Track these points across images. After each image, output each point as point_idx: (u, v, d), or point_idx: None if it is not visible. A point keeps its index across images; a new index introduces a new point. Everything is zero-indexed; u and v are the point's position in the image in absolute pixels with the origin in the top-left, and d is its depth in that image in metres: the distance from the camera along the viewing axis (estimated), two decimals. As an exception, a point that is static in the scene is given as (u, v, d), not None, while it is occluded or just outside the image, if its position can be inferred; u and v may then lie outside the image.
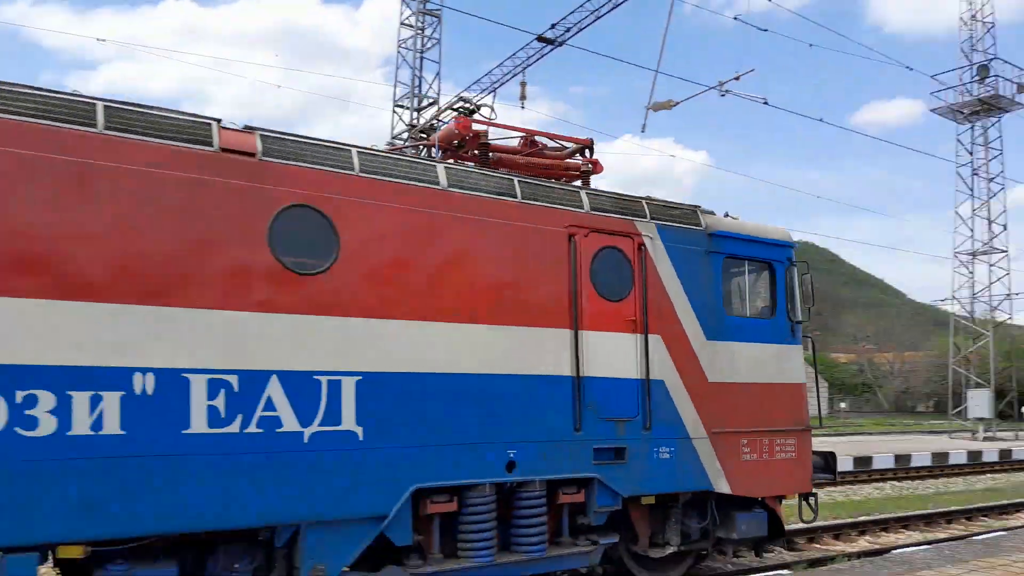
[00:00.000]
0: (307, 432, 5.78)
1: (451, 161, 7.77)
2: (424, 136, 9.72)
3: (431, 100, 27.80)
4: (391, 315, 6.24)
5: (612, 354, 7.35)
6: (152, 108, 5.69)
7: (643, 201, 7.93)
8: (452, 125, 8.14)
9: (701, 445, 7.71)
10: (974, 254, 37.55)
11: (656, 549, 7.88)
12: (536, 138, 8.56)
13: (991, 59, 35.72)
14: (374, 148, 7.02)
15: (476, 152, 7.94)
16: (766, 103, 20.33)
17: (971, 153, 37.08)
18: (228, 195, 5.70)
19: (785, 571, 7.58)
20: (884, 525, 11.64)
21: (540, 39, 23.32)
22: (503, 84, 26.05)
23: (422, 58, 27.78)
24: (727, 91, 18.58)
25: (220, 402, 5.48)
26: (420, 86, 27.81)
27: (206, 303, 5.52)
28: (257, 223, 5.74)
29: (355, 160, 6.33)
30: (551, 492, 6.93)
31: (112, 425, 5.08)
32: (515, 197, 7.01)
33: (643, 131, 20.52)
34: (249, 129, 6.06)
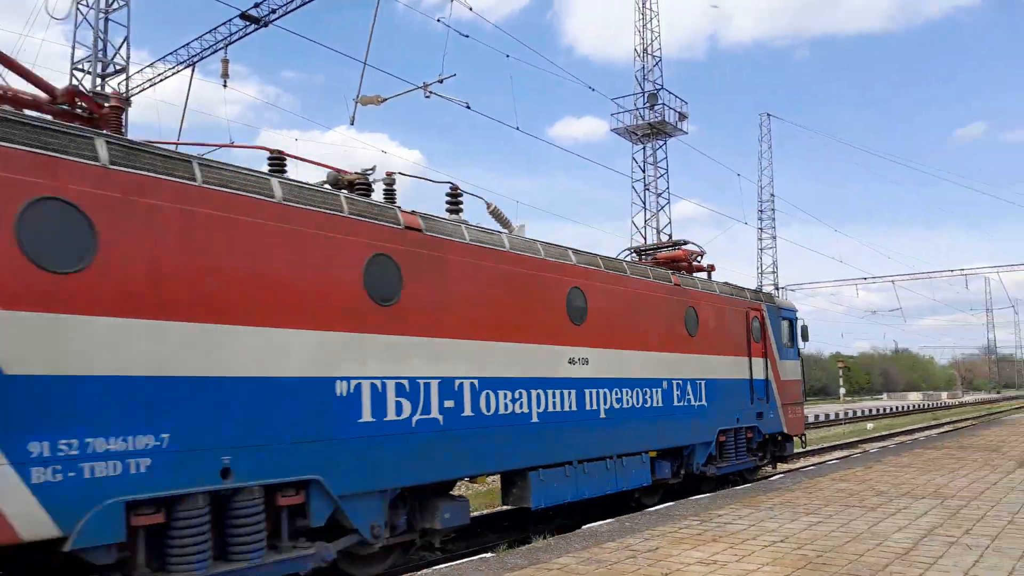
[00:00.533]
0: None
1: (697, 275, 14.38)
2: (651, 253, 15.20)
3: (119, 67, 24.92)
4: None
5: (758, 367, 14.92)
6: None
7: (760, 293, 16.16)
8: (678, 252, 14.68)
9: (780, 410, 15.74)
10: (644, 259, 42.66)
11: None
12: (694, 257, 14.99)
13: (659, 89, 40.63)
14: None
15: (691, 267, 14.63)
16: (468, 107, 21.12)
17: (643, 170, 41.88)
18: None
19: (488, 554, 7.86)
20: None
21: (244, 16, 22.05)
22: (203, 59, 24.20)
23: (107, 19, 24.80)
24: (431, 92, 19.07)
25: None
26: (105, 50, 24.79)
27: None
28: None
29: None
30: (743, 434, 14.39)
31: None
32: (729, 295, 14.46)
33: (352, 123, 20.34)
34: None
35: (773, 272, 54.38)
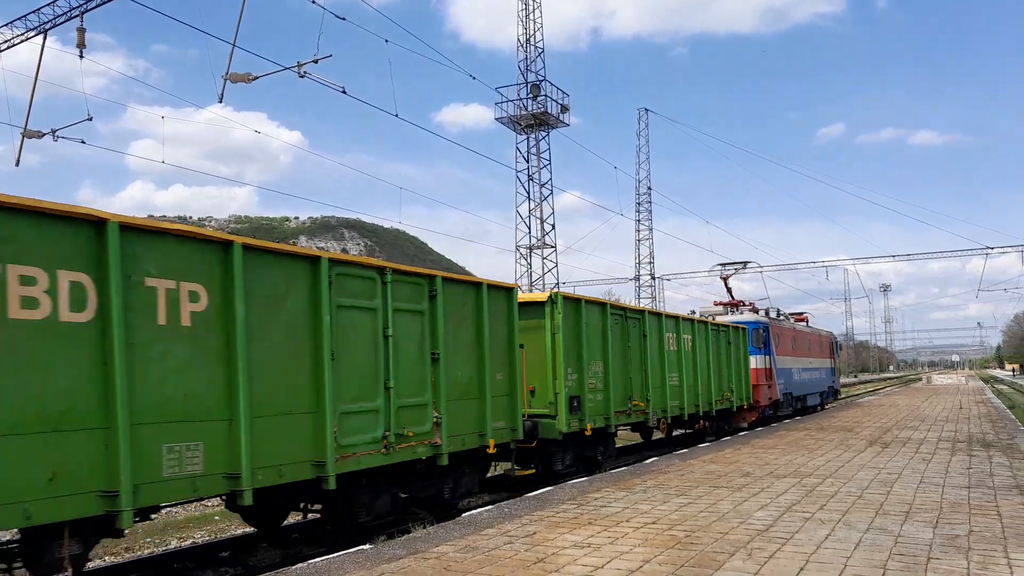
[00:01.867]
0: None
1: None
2: (797, 314, 32.61)
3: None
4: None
5: (831, 364, 34.76)
6: None
7: (831, 334, 37.20)
8: (804, 316, 32.28)
9: (836, 381, 36.47)
10: (531, 248, 43.06)
11: None
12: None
13: (542, 80, 41.07)
14: (788, 315, 31.43)
15: (807, 321, 32.54)
16: (344, 92, 20.66)
17: (528, 161, 42.28)
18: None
19: (366, 546, 7.72)
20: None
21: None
22: (56, 26, 22.52)
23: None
24: (306, 73, 18.56)
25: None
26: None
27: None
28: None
29: (801, 324, 30.92)
30: (833, 386, 35.97)
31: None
32: (819, 331, 33.48)
33: (220, 101, 19.55)
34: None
35: (650, 263, 56.18)
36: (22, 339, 5.46)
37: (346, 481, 8.45)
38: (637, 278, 56.25)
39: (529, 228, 42.66)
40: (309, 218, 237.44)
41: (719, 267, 29.57)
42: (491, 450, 10.69)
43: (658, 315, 16.62)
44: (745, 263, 30.05)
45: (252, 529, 10.31)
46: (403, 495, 9.85)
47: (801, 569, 6.04)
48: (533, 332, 12.56)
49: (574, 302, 13.17)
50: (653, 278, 56.35)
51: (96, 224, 6.03)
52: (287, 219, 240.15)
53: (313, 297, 7.93)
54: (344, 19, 19.97)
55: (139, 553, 10.26)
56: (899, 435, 17.39)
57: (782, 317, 28.26)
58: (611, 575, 6.03)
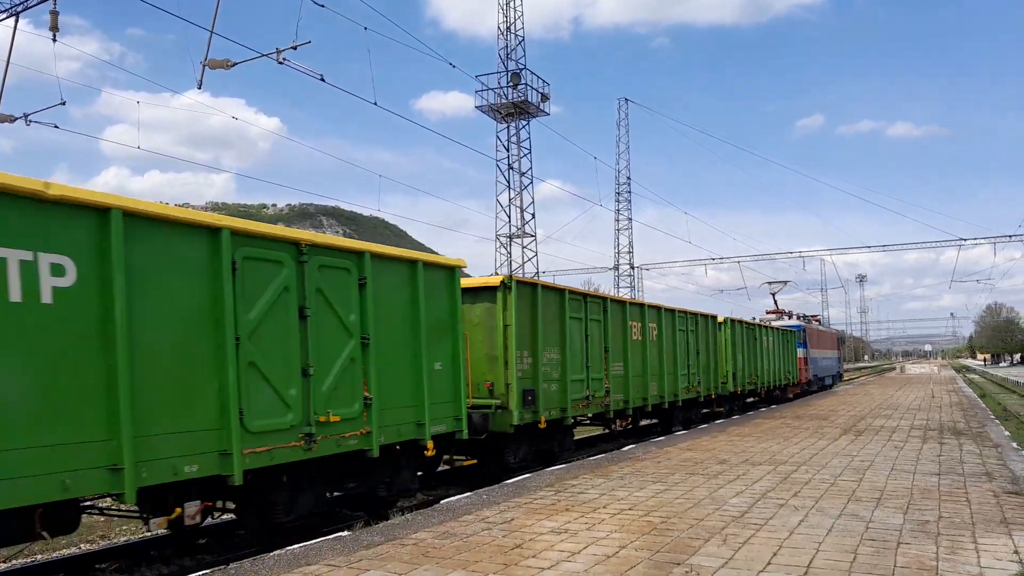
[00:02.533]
0: None
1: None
2: (814, 317, 45.25)
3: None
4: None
5: (836, 353, 47.12)
6: None
7: (839, 331, 66.85)
8: (817, 317, 44.81)
9: (840, 366, 50.42)
10: (511, 237, 43.05)
11: None
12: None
13: (522, 68, 40.96)
14: (809, 318, 42.65)
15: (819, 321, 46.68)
16: (323, 79, 20.49)
17: (508, 149, 42.22)
18: None
19: (345, 532, 7.73)
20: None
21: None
22: (28, 8, 22.11)
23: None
24: (285, 59, 18.36)
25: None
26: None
27: None
28: None
29: (819, 323, 46.83)
30: (838, 370, 50.12)
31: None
32: (830, 330, 51.91)
33: (199, 87, 19.32)
34: None
35: (629, 252, 56.39)
36: None
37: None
38: (616, 267, 56.46)
39: (509, 217, 42.68)
40: (287, 205, 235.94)
41: (767, 284, 42.21)
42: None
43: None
44: (785, 282, 42.68)
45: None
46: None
47: (775, 554, 6.13)
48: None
49: (529, 287, 12.61)
50: (632, 268, 56.60)
51: None
52: (265, 206, 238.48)
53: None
54: (323, 6, 19.78)
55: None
56: (872, 423, 17.63)
57: (808, 320, 39.88)
58: (588, 560, 6.10)
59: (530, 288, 12.65)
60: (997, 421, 18.97)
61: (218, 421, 6.99)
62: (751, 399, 27.55)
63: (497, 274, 39.55)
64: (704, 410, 21.74)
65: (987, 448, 12.65)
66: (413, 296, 9.75)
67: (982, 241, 49.97)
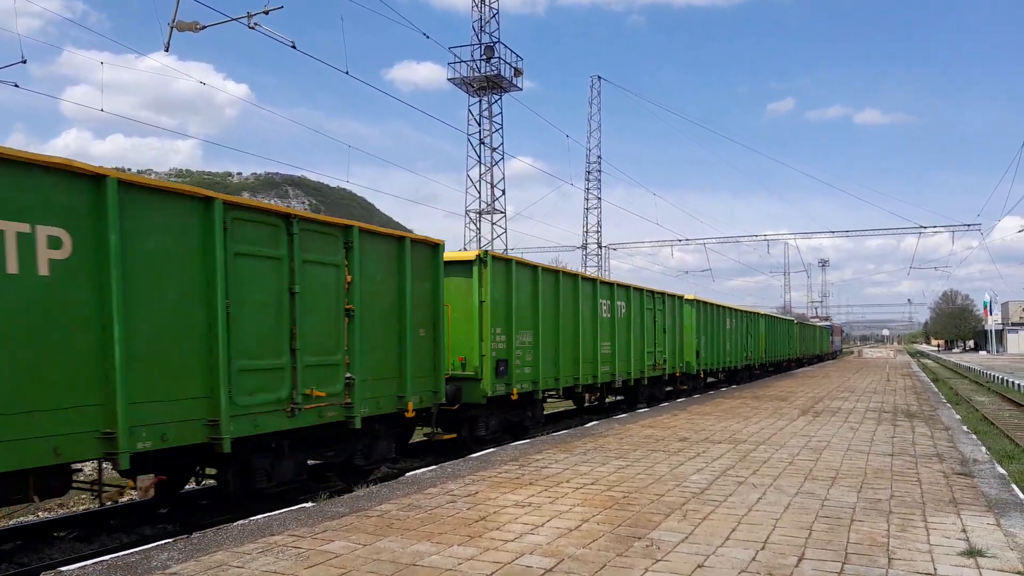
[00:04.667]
0: None
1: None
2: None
3: None
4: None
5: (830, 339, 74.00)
6: None
7: (832, 323, 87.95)
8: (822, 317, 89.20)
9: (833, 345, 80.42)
10: (480, 213, 42.88)
11: None
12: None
13: (496, 42, 40.62)
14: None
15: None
16: (294, 47, 20.13)
17: (479, 124, 41.94)
18: None
19: (308, 504, 7.73)
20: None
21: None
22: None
23: None
24: (256, 24, 17.99)
25: None
26: None
27: None
28: None
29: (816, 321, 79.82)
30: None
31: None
32: (828, 325, 79.32)
33: (167, 50, 18.86)
34: None
35: (597, 232, 56.58)
36: None
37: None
38: (584, 246, 56.64)
39: (479, 193, 42.49)
40: (253, 174, 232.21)
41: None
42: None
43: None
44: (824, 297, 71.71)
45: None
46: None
47: (733, 530, 6.28)
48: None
49: (504, 263, 12.88)
50: (600, 247, 56.83)
51: None
52: (230, 175, 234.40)
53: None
54: (295, -31, 19.40)
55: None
56: (830, 405, 18.03)
57: (827, 319, 60.27)
58: (551, 534, 6.18)
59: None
60: (949, 405, 19.52)
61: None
62: (711, 379, 28.07)
63: (466, 249, 39.14)
64: (668, 388, 22.05)
65: (939, 431, 13.02)
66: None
67: (941, 229, 51.12)
